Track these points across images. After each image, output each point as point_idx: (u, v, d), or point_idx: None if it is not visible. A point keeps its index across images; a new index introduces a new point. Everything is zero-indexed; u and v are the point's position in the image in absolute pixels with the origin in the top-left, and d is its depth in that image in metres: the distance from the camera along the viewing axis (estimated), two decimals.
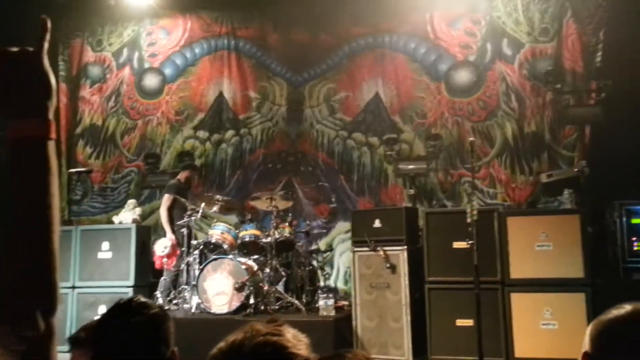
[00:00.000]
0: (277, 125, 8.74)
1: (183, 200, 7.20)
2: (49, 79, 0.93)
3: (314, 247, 7.76)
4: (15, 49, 0.93)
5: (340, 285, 7.95)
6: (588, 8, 7.49)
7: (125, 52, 9.44)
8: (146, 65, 9.40)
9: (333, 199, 7.72)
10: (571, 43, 7.60)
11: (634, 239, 5.98)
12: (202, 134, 9.01)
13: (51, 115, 0.94)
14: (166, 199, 7.37)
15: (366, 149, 8.30)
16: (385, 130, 8.21)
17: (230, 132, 8.92)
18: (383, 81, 8.33)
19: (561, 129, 7.49)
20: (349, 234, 7.79)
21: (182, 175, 7.72)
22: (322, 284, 7.47)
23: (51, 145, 0.93)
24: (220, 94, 9.00)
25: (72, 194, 9.09)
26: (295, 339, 1.23)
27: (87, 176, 8.79)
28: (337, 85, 8.55)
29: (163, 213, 7.33)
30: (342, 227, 8.09)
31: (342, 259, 8.07)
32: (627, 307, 1.19)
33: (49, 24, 0.98)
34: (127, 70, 9.48)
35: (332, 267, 8.08)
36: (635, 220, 6.01)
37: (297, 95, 8.70)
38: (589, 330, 1.22)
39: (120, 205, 8.83)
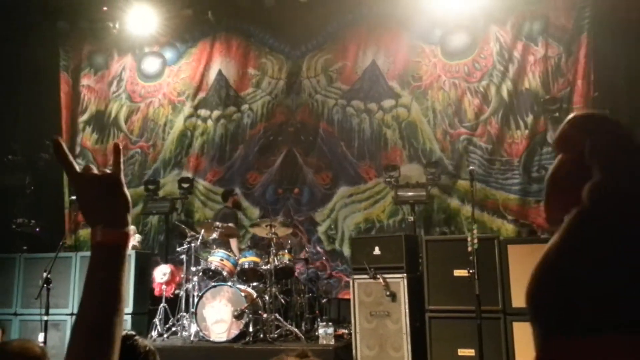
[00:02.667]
0: (277, 99, 8.94)
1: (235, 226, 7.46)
2: (127, 196, 1.08)
3: (316, 212, 8.16)
4: (99, 173, 1.07)
5: (346, 249, 8.03)
6: None
7: (127, 39, 9.55)
8: (146, 50, 9.63)
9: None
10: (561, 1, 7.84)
11: None
12: (203, 112, 9.23)
13: (128, 228, 1.09)
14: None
15: (365, 115, 8.49)
16: (383, 96, 8.42)
17: (231, 109, 9.13)
18: (379, 48, 8.55)
19: (555, 84, 7.69)
20: (352, 198, 8.23)
21: (230, 202, 8.02)
22: (327, 248, 8.05)
23: (125, 253, 1.08)
24: (220, 73, 9.22)
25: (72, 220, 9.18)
26: None
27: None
28: (333, 55, 8.77)
29: (233, 243, 7.42)
30: (344, 192, 8.33)
31: (346, 223, 8.27)
32: None
33: (121, 147, 1.14)
34: (129, 56, 9.73)
35: (336, 229, 8.27)
36: None
37: (295, 68, 8.92)
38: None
39: (127, 187, 8.97)
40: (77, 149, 9.63)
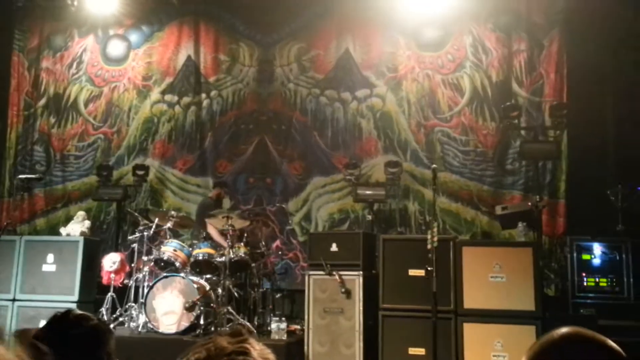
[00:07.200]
0: (248, 86, 8.76)
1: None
2: None
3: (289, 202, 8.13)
4: None
5: None
6: None
7: (88, 20, 9.16)
8: (111, 32, 9.26)
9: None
10: None
11: (584, 274, 6.11)
12: (170, 97, 8.94)
13: None
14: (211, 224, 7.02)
15: (339, 105, 8.43)
16: (357, 86, 8.37)
17: (200, 96, 8.88)
18: (353, 38, 8.48)
19: (528, 76, 7.83)
20: (325, 188, 8.17)
21: (213, 193, 7.77)
22: (301, 239, 7.93)
23: None
24: (189, 58, 8.95)
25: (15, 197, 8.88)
26: (262, 356, 1.14)
27: (35, 182, 8.55)
28: (307, 44, 8.65)
29: (213, 232, 7.04)
30: (318, 182, 8.26)
31: (319, 213, 8.19)
32: (563, 330, 1.25)
33: None
34: (90, 38, 9.31)
35: (310, 222, 8.19)
36: (586, 256, 6.15)
37: (267, 55, 8.75)
38: (526, 353, 1.26)
39: (87, 174, 8.87)
40: (35, 135, 9.17)
